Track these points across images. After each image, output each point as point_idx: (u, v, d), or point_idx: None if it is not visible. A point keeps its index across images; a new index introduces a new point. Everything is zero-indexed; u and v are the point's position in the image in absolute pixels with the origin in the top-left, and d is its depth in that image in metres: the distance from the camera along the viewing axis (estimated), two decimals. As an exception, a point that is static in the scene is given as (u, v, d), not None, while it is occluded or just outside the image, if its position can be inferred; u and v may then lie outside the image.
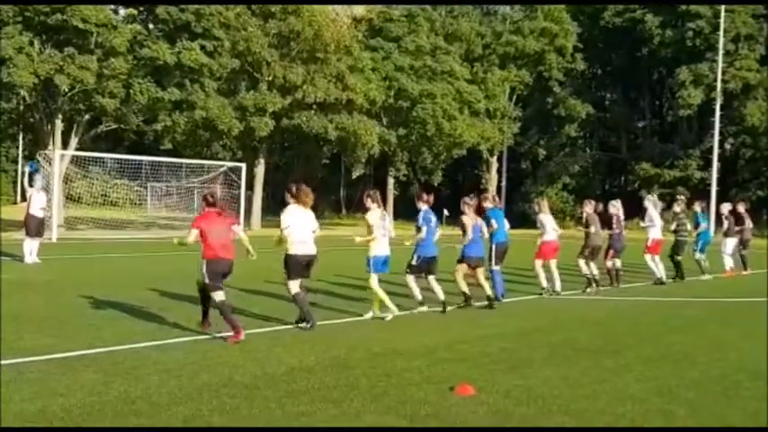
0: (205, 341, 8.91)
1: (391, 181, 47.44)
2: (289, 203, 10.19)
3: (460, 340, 9.39)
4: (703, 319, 12.12)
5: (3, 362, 7.40)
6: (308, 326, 9.88)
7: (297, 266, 10.00)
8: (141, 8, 35.61)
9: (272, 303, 12.01)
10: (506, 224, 13.69)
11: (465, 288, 12.40)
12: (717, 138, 44.91)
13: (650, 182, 49.29)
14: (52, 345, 8.41)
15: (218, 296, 9.13)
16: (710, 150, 45.70)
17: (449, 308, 11.71)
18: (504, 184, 53.03)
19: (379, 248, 10.97)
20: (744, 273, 19.27)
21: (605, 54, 55.65)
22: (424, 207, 11.97)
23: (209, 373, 7.30)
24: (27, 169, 21.02)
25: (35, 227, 18.18)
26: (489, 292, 12.52)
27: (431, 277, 11.91)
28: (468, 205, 12.60)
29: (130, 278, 15.55)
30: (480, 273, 12.67)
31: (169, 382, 6.86)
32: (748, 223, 19.86)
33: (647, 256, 17.01)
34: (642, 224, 17.46)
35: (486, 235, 12.91)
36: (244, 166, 34.20)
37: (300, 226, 10.00)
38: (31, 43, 30.46)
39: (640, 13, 49.65)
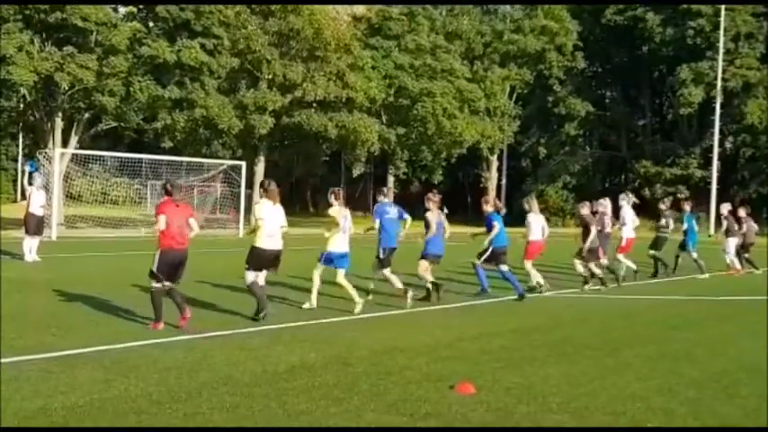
0: (204, 340, 8.91)
1: (391, 179, 47.43)
2: (261, 198, 10.63)
3: (461, 338, 9.40)
4: (703, 317, 12.13)
5: (3, 360, 7.39)
6: (262, 315, 10.16)
7: (260, 259, 10.35)
8: (141, 6, 35.61)
9: (272, 300, 12.00)
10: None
11: (430, 278, 12.60)
12: (717, 136, 44.92)
13: (650, 180, 49.29)
14: (52, 343, 8.41)
15: (154, 284, 9.45)
16: (711, 149, 45.72)
17: (369, 297, 11.95)
18: (504, 182, 53.03)
19: (338, 244, 11.27)
20: (743, 271, 19.30)
21: (606, 52, 55.62)
22: (384, 200, 12.36)
23: (209, 371, 7.30)
24: (27, 168, 20.98)
25: (35, 225, 18.18)
26: (430, 284, 12.69)
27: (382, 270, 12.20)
28: (433, 201, 12.82)
29: (130, 276, 15.53)
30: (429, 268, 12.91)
31: (169, 381, 6.86)
32: (749, 226, 19.81)
33: (620, 256, 16.93)
34: (617, 224, 17.39)
35: (449, 233, 13.06)
36: (244, 164, 34.19)
37: (271, 220, 10.35)
38: (32, 41, 30.46)
39: (642, 11, 49.61)
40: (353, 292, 11.23)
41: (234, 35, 35.34)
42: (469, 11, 50.87)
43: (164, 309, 9.46)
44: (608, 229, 16.14)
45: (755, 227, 20.42)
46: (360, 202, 55.13)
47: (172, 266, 9.47)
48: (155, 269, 9.42)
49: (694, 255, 18.36)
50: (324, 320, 10.51)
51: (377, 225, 12.17)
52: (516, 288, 13.16)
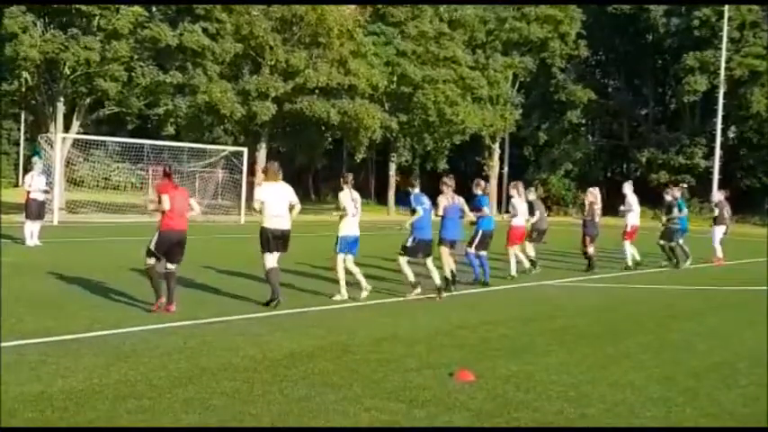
0: (204, 325, 8.92)
1: (393, 167, 47.35)
2: (263, 181, 10.65)
3: (461, 326, 9.41)
4: (703, 307, 12.14)
5: (3, 344, 7.41)
6: (273, 304, 10.15)
7: (269, 240, 10.28)
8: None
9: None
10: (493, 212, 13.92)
11: (448, 272, 12.46)
12: (720, 125, 44.78)
13: (653, 169, 49.20)
14: (53, 327, 8.43)
15: (150, 261, 9.54)
16: (714, 138, 45.61)
17: (444, 294, 11.71)
18: (506, 170, 52.92)
19: (350, 228, 11.22)
20: (724, 262, 19.27)
21: (610, 40, 55.39)
22: (415, 190, 12.13)
23: (209, 356, 7.31)
24: (34, 159, 20.79)
25: (36, 210, 18.18)
26: (448, 273, 12.64)
27: (428, 260, 11.93)
28: (447, 185, 12.71)
29: (131, 262, 15.55)
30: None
31: (169, 366, 6.88)
32: (727, 211, 19.76)
33: (627, 243, 17.02)
34: (621, 208, 17.47)
35: (473, 217, 13.09)
36: (245, 150, 34.13)
37: (274, 201, 10.30)
38: (34, 24, 30.38)
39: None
40: (361, 278, 11.28)
41: (237, 20, 35.19)
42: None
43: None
44: (597, 219, 16.24)
45: (730, 211, 20.39)
46: (362, 190, 54.99)
47: (170, 246, 9.56)
48: (152, 247, 9.54)
49: (680, 240, 18.35)
50: (324, 307, 10.53)
51: (420, 212, 11.71)
52: (475, 273, 13.33)
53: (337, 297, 11.16)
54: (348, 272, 11.30)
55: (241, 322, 9.22)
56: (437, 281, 11.71)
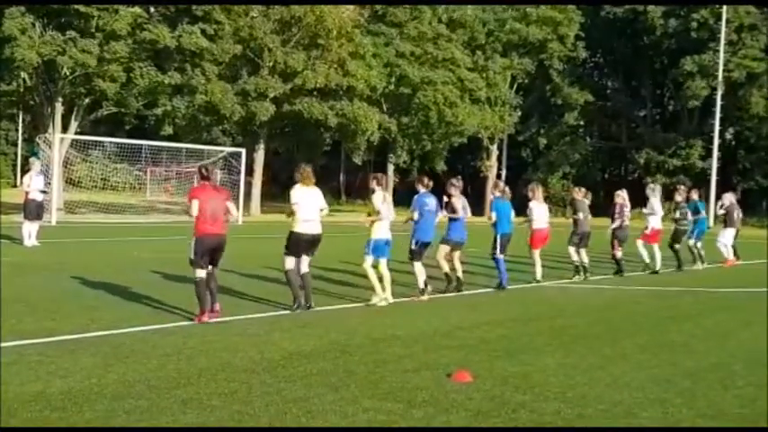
0: (203, 325, 8.92)
1: (391, 168, 47.36)
2: (297, 183, 10.42)
3: (459, 326, 9.42)
4: (702, 308, 12.15)
5: (2, 344, 7.41)
6: (294, 307, 10.04)
7: (297, 244, 10.15)
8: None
9: (272, 288, 12.03)
10: (512, 214, 13.60)
11: (447, 268, 12.42)
12: (717, 127, 44.87)
13: (651, 171, 49.29)
14: (51, 327, 8.43)
15: (199, 273, 9.16)
16: (712, 140, 45.68)
17: (427, 296, 11.67)
18: (504, 172, 52.96)
19: (382, 231, 11.01)
20: (738, 262, 19.31)
21: (608, 42, 55.50)
22: (422, 190, 12.04)
23: (208, 357, 7.32)
24: (33, 159, 20.78)
25: (34, 210, 18.19)
26: (461, 275, 12.63)
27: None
28: (456, 187, 12.69)
29: (129, 262, 15.57)
30: (457, 256, 12.72)
31: (167, 366, 6.88)
32: (737, 214, 19.72)
33: (640, 243, 16.91)
34: (644, 210, 17.41)
35: (469, 215, 12.95)
36: (243, 151, 34.14)
37: (307, 204, 10.20)
38: (33, 25, 30.40)
39: (642, 7, 49.49)
40: (389, 286, 11.01)
41: (236, 21, 35.22)
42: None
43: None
44: (626, 221, 16.11)
45: (741, 214, 20.36)
46: (360, 191, 55.11)
47: (208, 252, 9.21)
48: (192, 257, 9.16)
49: (697, 243, 18.28)
50: (323, 308, 10.52)
51: (415, 216, 11.73)
52: (501, 277, 13.17)
53: (374, 300, 10.88)
54: (379, 277, 10.96)
55: (240, 322, 9.22)
56: (420, 282, 11.66)
